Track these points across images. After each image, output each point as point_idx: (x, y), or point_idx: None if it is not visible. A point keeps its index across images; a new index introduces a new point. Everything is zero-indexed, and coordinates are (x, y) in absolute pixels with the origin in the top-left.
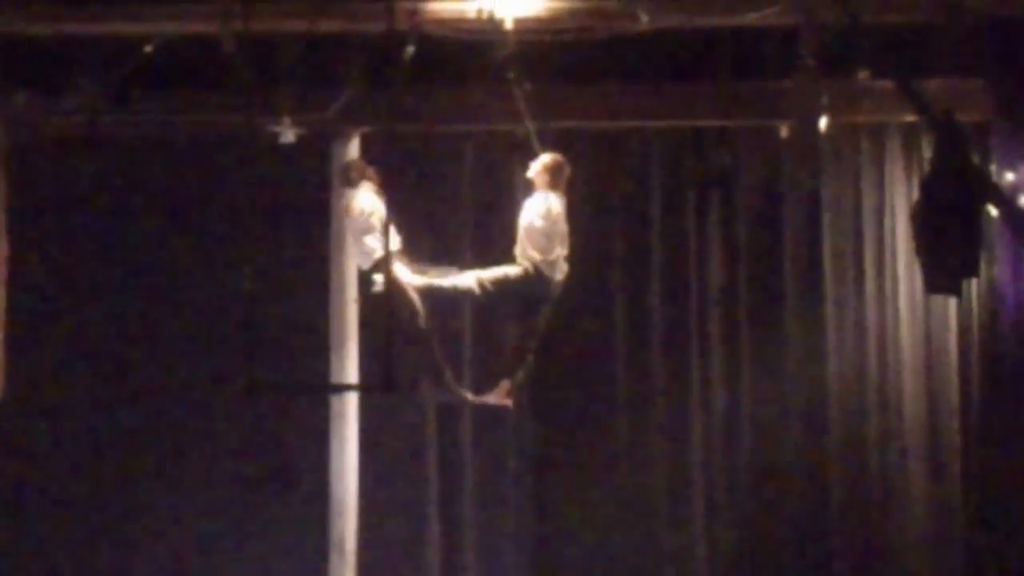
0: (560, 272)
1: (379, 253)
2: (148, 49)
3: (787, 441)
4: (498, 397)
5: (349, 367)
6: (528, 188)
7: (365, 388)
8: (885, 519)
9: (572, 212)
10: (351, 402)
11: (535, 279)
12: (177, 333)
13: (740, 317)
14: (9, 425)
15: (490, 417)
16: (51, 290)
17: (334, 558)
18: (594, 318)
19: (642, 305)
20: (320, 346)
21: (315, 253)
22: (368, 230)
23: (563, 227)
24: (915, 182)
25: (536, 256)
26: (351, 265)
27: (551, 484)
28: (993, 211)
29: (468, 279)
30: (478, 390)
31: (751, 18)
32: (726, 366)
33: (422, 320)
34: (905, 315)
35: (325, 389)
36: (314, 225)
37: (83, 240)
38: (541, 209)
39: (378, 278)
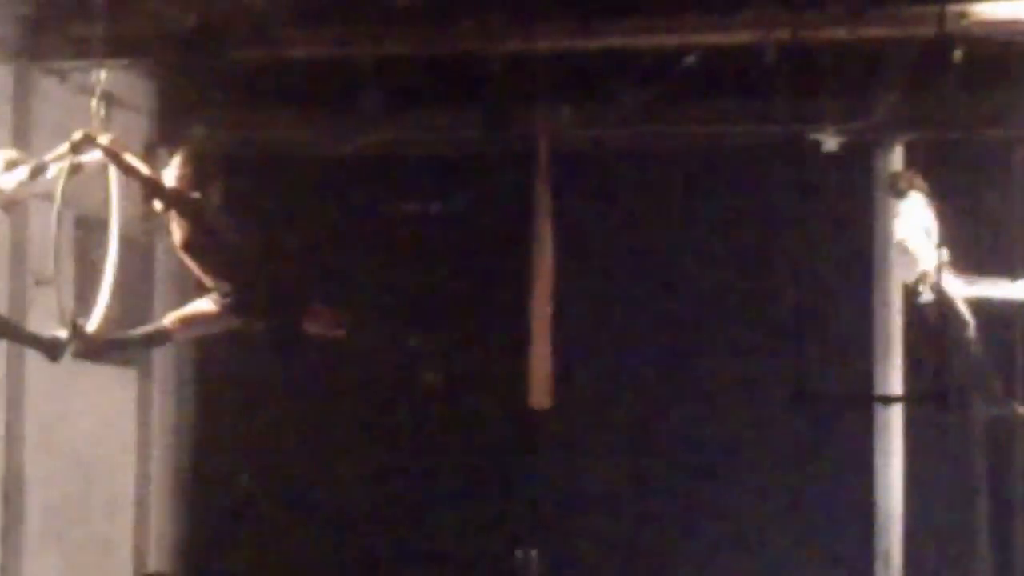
0: None
1: (926, 265)
2: (691, 60)
3: None
4: None
5: (893, 378)
6: None
7: (916, 400)
8: None
9: None
10: (896, 413)
11: None
12: (724, 341)
13: None
14: (560, 432)
15: None
16: (597, 299)
17: (879, 570)
18: None
19: None
20: (865, 356)
21: (860, 263)
22: (910, 242)
23: None
24: None
25: None
26: (896, 276)
27: None
28: None
29: (1022, 290)
30: None
31: None
32: None
33: (972, 332)
34: None
35: (875, 400)
36: (858, 234)
37: (628, 249)
38: None
39: (925, 290)
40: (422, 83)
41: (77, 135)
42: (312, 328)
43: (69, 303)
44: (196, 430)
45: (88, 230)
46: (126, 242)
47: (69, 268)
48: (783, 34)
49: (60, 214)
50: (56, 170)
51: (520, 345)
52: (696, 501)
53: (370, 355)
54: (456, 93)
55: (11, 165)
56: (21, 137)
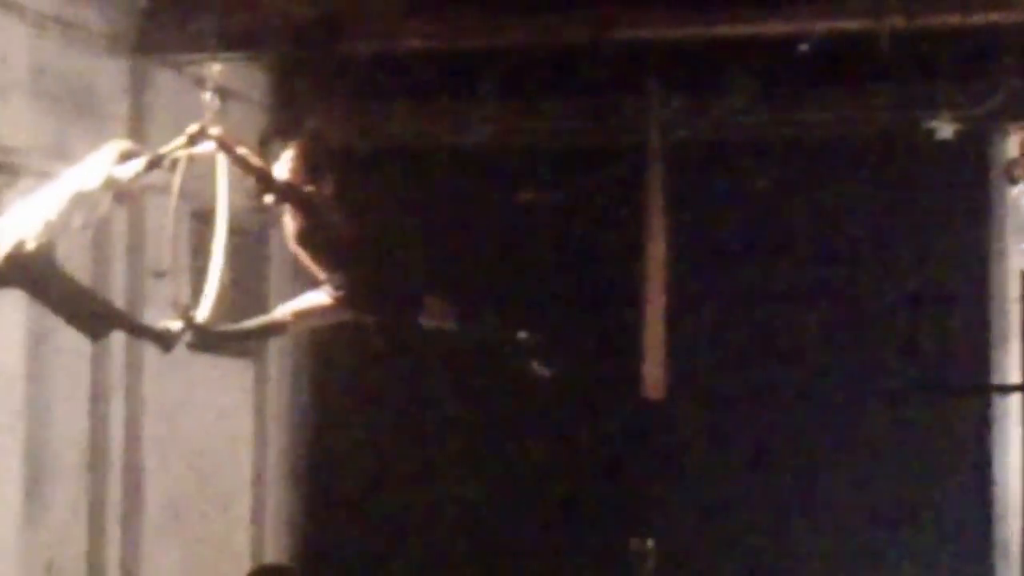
0: None
1: None
2: (803, 47)
3: None
4: None
5: (1011, 366)
6: None
7: None
8: None
9: None
10: (1014, 403)
11: None
12: (839, 329)
13: None
14: (674, 422)
15: None
16: (710, 289)
17: (999, 561)
18: None
19: None
20: (982, 345)
21: (975, 250)
22: None
23: None
24: None
25: None
26: (1013, 263)
27: None
28: None
29: None
30: None
31: None
32: None
33: None
34: None
35: (992, 390)
36: (974, 222)
37: (741, 239)
38: None
39: None
40: (535, 73)
41: (193, 128)
42: (426, 320)
43: (185, 295)
44: (312, 421)
45: (204, 223)
46: (240, 234)
47: (185, 261)
48: (897, 20)
49: (177, 207)
50: (170, 163)
51: (633, 336)
52: (812, 490)
53: (482, 345)
54: (568, 83)
55: (126, 156)
56: (137, 129)
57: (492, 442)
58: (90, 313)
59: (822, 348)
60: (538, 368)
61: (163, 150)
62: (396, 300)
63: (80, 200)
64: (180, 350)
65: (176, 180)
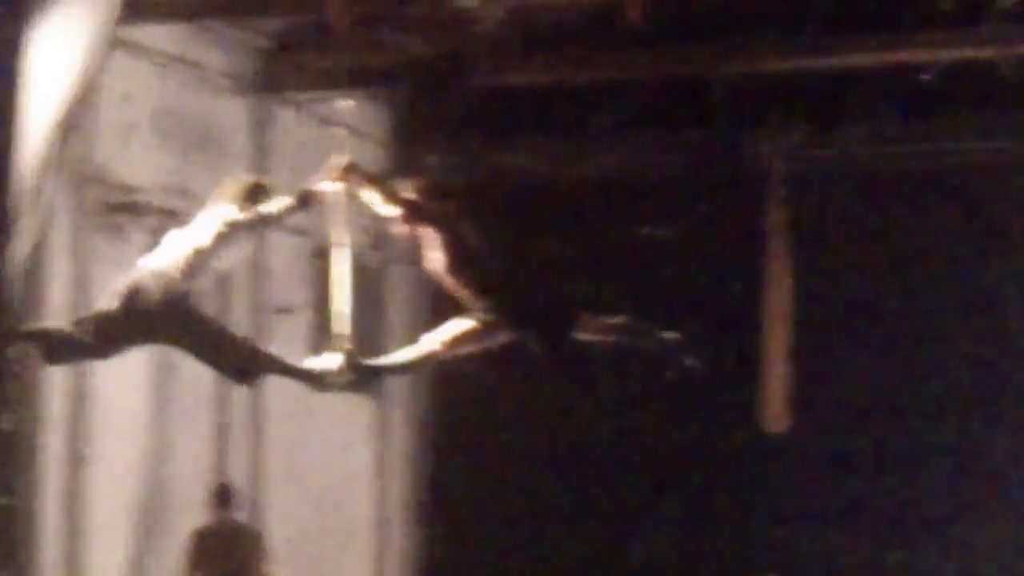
0: None
1: None
2: (925, 77)
3: None
4: None
5: None
6: None
7: None
8: None
9: None
10: None
11: None
12: (964, 360)
13: None
14: (795, 455)
15: None
16: (834, 319)
17: None
18: None
19: None
20: None
21: None
22: None
23: None
24: None
25: None
26: None
27: None
28: None
29: None
30: None
31: None
32: None
33: None
34: None
35: None
36: None
37: (863, 270)
38: None
39: None
40: (653, 106)
41: (340, 162)
42: (582, 335)
43: (343, 332)
44: (432, 458)
45: (326, 259)
46: (359, 272)
47: (308, 297)
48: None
49: (341, 244)
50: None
51: (754, 368)
52: (936, 522)
53: (637, 351)
54: (687, 116)
55: (255, 190)
56: (258, 167)
57: (614, 475)
58: (238, 358)
59: (947, 375)
60: (689, 363)
61: (312, 187)
62: (552, 316)
63: (225, 240)
64: (299, 388)
65: (340, 217)
